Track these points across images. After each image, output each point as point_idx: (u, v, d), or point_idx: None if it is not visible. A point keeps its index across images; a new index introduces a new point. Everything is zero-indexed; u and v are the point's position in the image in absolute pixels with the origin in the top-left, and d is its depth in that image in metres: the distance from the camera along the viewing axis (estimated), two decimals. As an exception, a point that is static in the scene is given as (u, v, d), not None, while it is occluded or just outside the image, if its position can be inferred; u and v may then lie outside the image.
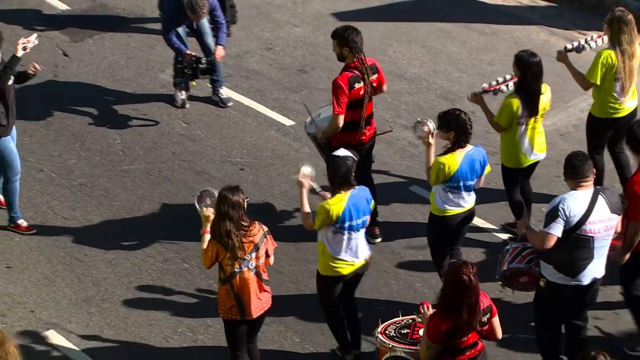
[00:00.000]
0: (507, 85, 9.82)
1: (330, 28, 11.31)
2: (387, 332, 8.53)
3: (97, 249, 10.13)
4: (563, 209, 7.92)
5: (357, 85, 9.68)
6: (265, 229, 8.50)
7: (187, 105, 12.12)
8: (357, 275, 8.96)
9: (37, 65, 10.33)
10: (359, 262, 8.86)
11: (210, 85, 12.20)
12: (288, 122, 11.66)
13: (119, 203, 10.62)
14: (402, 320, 8.69)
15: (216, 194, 8.42)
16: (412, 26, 13.70)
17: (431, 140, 9.23)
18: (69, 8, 14.04)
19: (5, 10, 13.69)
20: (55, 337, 9.09)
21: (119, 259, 9.97)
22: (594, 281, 8.12)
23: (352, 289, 9.00)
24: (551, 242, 7.87)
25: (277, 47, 13.10)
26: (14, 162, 10.47)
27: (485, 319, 7.51)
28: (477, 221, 10.11)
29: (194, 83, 11.91)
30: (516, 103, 9.44)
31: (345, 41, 9.69)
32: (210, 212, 8.39)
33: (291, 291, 9.80)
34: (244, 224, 8.25)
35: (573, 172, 8.11)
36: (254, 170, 11.01)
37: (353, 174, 8.66)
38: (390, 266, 10.02)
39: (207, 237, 8.34)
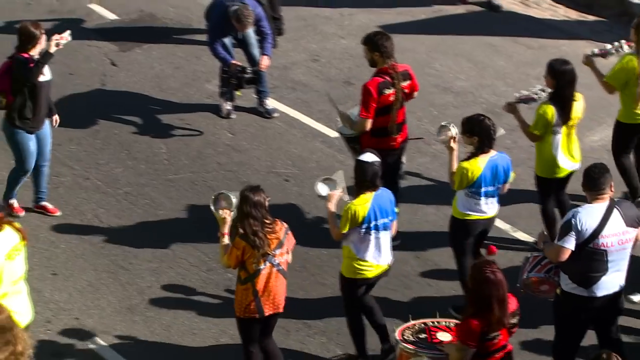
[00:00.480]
0: (540, 94, 9.88)
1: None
2: (404, 337, 8.65)
3: (141, 257, 10.21)
4: (576, 223, 7.99)
5: (386, 91, 9.77)
6: (286, 225, 8.69)
7: (233, 116, 12.21)
8: (378, 278, 9.10)
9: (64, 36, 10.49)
10: (383, 265, 9.03)
11: (256, 96, 12.27)
12: (333, 133, 11.69)
13: (164, 212, 10.70)
14: (415, 325, 8.80)
15: (231, 197, 8.58)
16: (459, 39, 13.74)
17: (453, 144, 9.40)
18: (117, 18, 14.21)
19: (55, 19, 13.91)
20: (99, 345, 9.19)
21: (163, 267, 10.05)
22: (610, 293, 8.14)
23: (372, 285, 9.17)
24: (565, 255, 7.95)
25: (324, 58, 13.17)
26: (26, 160, 10.66)
27: (516, 320, 7.67)
28: (506, 227, 10.31)
29: (239, 93, 12.00)
30: (551, 111, 9.50)
31: (375, 46, 9.81)
32: (226, 214, 8.60)
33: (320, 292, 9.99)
34: (267, 221, 8.44)
35: (590, 184, 8.17)
36: (299, 182, 11.06)
37: (379, 177, 8.80)
38: (407, 270, 10.16)
39: (226, 239, 8.52)
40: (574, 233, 7.93)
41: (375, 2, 14.48)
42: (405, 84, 9.96)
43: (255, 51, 11.96)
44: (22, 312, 8.60)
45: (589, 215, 7.98)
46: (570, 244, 7.90)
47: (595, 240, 7.95)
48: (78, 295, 9.73)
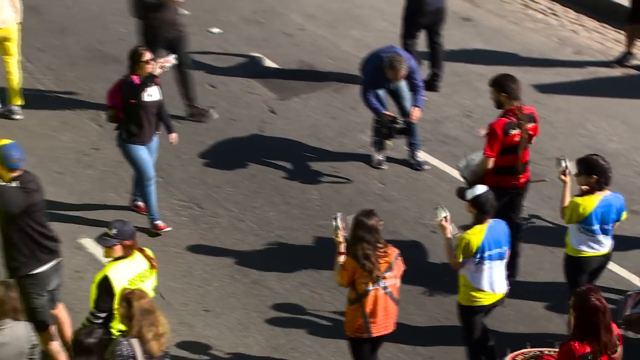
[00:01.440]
0: None
1: (529, 100, 11.38)
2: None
3: (291, 300, 10.32)
4: None
5: (512, 132, 9.84)
6: (397, 251, 8.83)
7: (384, 167, 12.26)
8: (495, 306, 9.22)
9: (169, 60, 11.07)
10: (499, 293, 9.13)
11: (407, 148, 12.31)
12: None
13: (315, 257, 10.80)
14: (530, 352, 8.87)
15: (348, 219, 8.87)
16: (614, 102, 13.57)
17: (565, 177, 9.49)
18: (278, 67, 14.36)
19: (220, 68, 14.20)
20: (244, 382, 9.38)
21: (312, 312, 10.14)
22: None
23: (487, 313, 9.27)
24: None
25: (476, 114, 13.12)
26: (144, 168, 11.06)
27: (619, 349, 7.65)
28: (611, 265, 10.10)
29: (389, 143, 12.05)
30: None
31: (502, 88, 9.91)
32: (340, 237, 8.83)
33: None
34: (380, 245, 8.66)
35: None
36: (446, 234, 11.06)
37: (494, 208, 9.05)
38: (521, 304, 10.23)
39: (342, 258, 8.77)
40: None
41: (531, 62, 14.41)
42: (531, 125, 9.99)
43: (407, 104, 12.02)
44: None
45: None
46: None
47: None
48: (228, 332, 9.90)
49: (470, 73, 14.12)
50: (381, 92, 11.88)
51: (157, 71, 10.90)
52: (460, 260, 8.95)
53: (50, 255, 9.45)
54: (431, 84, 13.54)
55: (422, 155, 12.37)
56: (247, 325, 10.03)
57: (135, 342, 7.88)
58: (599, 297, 7.50)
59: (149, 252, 8.91)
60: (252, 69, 14.17)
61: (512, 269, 10.22)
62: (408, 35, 13.47)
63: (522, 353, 8.93)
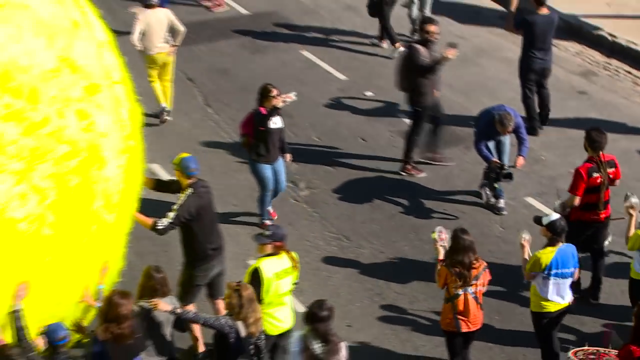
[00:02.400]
0: None
1: (636, 165, 11.18)
2: (577, 355, 8.89)
3: (420, 321, 10.28)
4: None
5: (594, 175, 10.00)
6: (485, 264, 9.04)
7: (505, 212, 12.07)
8: (562, 314, 9.34)
9: (291, 96, 11.27)
10: (563, 303, 9.24)
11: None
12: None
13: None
14: (589, 349, 8.94)
15: (444, 233, 9.25)
16: None
17: (633, 212, 9.66)
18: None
19: (371, 124, 14.20)
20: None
21: (439, 334, 9.89)
22: None
23: (557, 323, 9.36)
24: None
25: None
26: (266, 182, 11.40)
27: None
28: None
29: (496, 185, 12.00)
30: None
31: (588, 138, 10.19)
32: (439, 247, 9.15)
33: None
34: (472, 258, 8.88)
35: None
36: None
37: (565, 232, 9.19)
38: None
39: (439, 265, 9.08)
40: None
41: (638, 131, 13.99)
42: (611, 170, 10.12)
43: (505, 158, 12.01)
44: (283, 319, 9.15)
45: None
46: None
47: None
48: (366, 345, 9.93)
49: (582, 139, 13.65)
50: (491, 144, 11.88)
51: (280, 104, 11.15)
52: (527, 272, 9.15)
53: (216, 251, 9.66)
54: (533, 129, 13.59)
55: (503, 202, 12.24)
56: (382, 340, 10.05)
57: (240, 324, 8.15)
58: None
59: (294, 254, 9.08)
60: (395, 128, 14.09)
61: (595, 292, 10.48)
62: (525, 87, 13.69)
63: (582, 350, 8.97)
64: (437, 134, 13.19)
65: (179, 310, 8.39)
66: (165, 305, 8.32)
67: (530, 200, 12.21)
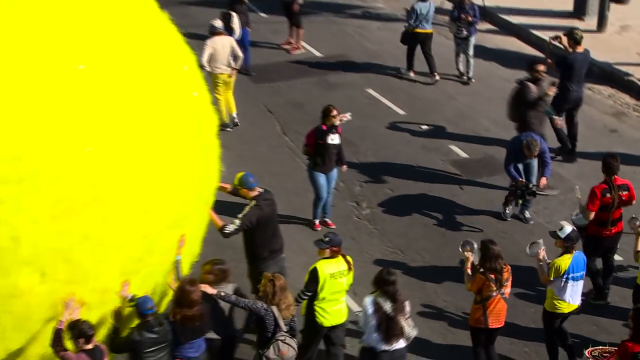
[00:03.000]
0: None
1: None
2: (592, 354, 8.99)
3: (462, 319, 10.29)
4: None
5: (607, 195, 10.30)
6: (509, 269, 9.14)
7: (529, 217, 12.23)
8: (570, 314, 9.47)
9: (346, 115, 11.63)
10: (574, 305, 9.39)
11: (521, 207, 12.39)
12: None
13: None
14: (607, 349, 9.14)
15: (474, 244, 9.26)
16: None
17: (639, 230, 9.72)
18: (467, 156, 14.01)
19: (425, 157, 14.19)
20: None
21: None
22: None
23: (563, 321, 9.55)
24: None
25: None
26: (319, 190, 11.71)
27: None
28: None
29: (520, 201, 12.27)
30: None
31: (603, 164, 10.46)
32: (469, 256, 9.20)
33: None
34: (502, 264, 9.07)
35: None
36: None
37: (577, 241, 9.37)
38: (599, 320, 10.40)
39: (469, 270, 9.17)
40: None
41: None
42: (623, 193, 10.35)
43: (533, 178, 12.17)
44: (335, 315, 9.24)
45: None
46: None
47: None
48: (420, 345, 9.74)
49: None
50: (519, 165, 12.07)
51: (337, 122, 11.53)
52: (552, 278, 9.20)
53: (273, 253, 9.87)
54: (565, 148, 13.80)
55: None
56: (428, 345, 10.09)
57: (274, 308, 8.51)
58: None
59: (349, 258, 9.19)
60: (446, 158, 14.17)
61: (601, 294, 10.67)
62: (557, 111, 13.75)
63: (598, 348, 9.12)
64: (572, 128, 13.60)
65: (222, 294, 8.62)
66: (210, 289, 8.56)
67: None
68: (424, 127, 14.97)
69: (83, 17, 7.64)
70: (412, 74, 16.58)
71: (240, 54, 14.26)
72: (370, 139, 14.43)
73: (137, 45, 7.90)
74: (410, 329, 8.77)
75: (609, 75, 16.66)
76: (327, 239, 9.06)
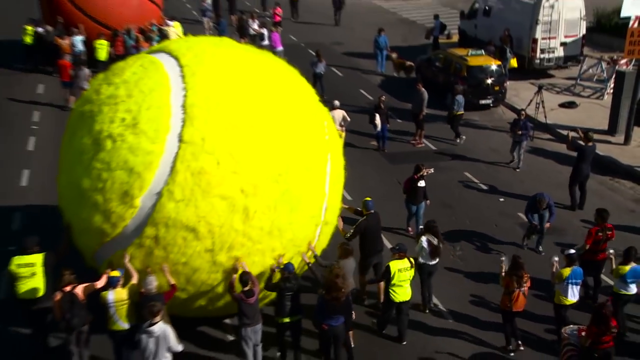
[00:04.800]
0: None
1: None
2: (566, 331, 11.45)
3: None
4: None
5: (599, 234, 13.21)
6: (528, 275, 11.47)
7: (541, 249, 14.88)
8: (571, 306, 12.14)
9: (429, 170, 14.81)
10: (573, 300, 12.16)
11: (537, 242, 15.34)
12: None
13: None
14: (576, 327, 11.38)
15: (506, 258, 11.77)
16: None
17: (612, 257, 12.46)
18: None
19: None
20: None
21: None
22: None
23: (566, 311, 12.22)
24: None
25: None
26: (409, 212, 14.54)
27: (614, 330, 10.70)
28: None
29: (533, 236, 14.98)
30: None
31: (599, 214, 13.36)
32: (503, 265, 11.64)
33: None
34: (523, 272, 11.75)
35: None
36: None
37: (576, 261, 11.92)
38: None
39: (503, 274, 11.59)
40: None
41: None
42: (609, 232, 13.20)
43: (543, 223, 14.93)
44: (402, 295, 11.62)
45: None
46: None
47: None
48: (458, 334, 12.94)
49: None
50: (536, 215, 15.25)
51: (425, 174, 15.00)
52: (557, 282, 12.08)
53: (374, 251, 12.76)
54: (573, 208, 16.99)
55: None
56: (476, 321, 12.93)
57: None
58: (607, 309, 10.68)
59: (412, 259, 11.56)
60: (520, 222, 16.54)
61: (594, 299, 13.76)
62: (571, 186, 17.11)
63: (570, 327, 11.69)
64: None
65: (319, 259, 10.88)
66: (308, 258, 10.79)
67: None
68: (502, 199, 17.95)
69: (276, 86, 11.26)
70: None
71: (348, 118, 18.10)
72: (463, 205, 17.45)
73: (304, 106, 11.51)
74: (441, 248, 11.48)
75: (631, 173, 19.48)
76: (397, 247, 11.47)
